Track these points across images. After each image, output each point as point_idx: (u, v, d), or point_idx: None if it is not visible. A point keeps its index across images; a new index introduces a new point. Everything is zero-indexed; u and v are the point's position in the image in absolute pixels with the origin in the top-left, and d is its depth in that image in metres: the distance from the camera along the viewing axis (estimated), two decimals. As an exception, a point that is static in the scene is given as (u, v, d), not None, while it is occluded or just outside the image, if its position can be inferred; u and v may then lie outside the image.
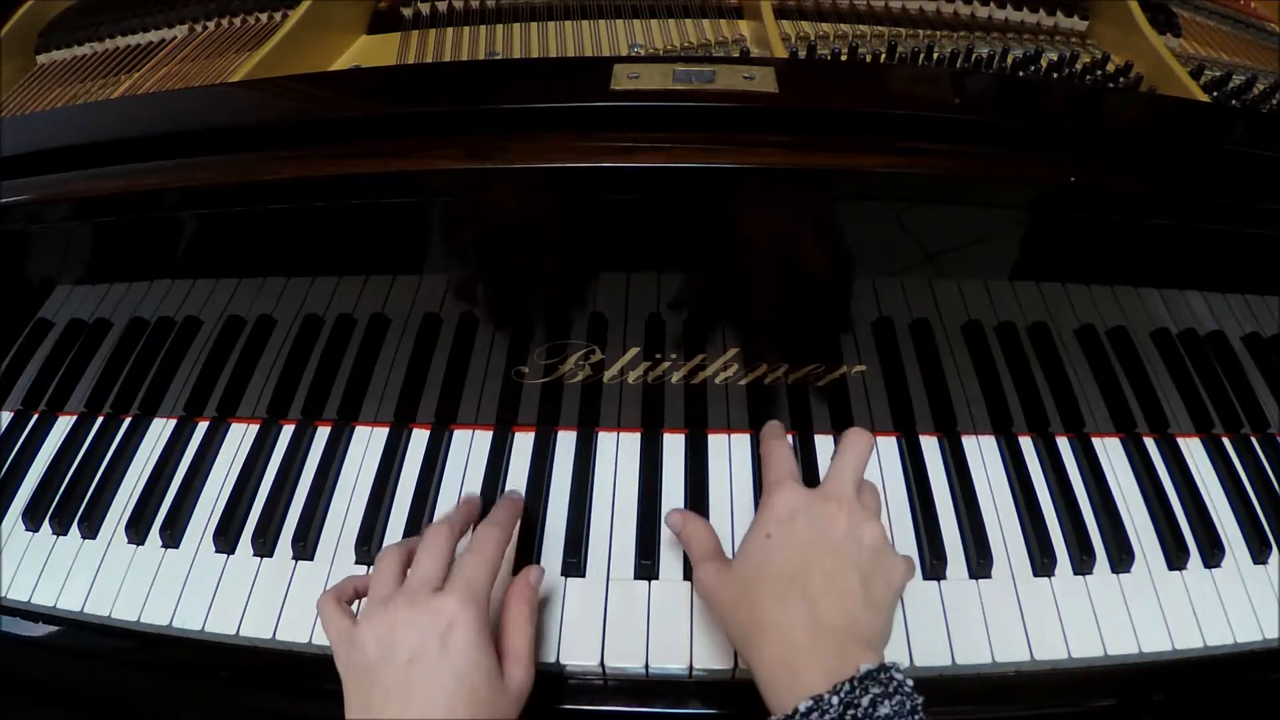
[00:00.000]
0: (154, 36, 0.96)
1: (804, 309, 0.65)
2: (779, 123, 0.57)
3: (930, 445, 0.74)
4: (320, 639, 0.62)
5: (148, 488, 0.72)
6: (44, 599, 0.67)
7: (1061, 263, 0.62)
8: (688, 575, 0.65)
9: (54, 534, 0.71)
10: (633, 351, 0.67)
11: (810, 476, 0.71)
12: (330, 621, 0.55)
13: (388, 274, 0.64)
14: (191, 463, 0.74)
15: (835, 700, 0.44)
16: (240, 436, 0.76)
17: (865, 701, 0.44)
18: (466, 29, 0.92)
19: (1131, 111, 0.69)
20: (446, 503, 0.71)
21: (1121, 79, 0.82)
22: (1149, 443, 0.74)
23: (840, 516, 0.53)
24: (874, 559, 0.52)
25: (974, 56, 0.85)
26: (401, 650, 0.50)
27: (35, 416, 0.80)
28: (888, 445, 0.74)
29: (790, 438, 0.66)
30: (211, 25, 0.95)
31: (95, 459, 0.75)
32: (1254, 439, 0.75)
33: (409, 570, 0.55)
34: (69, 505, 0.72)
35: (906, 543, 0.67)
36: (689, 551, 0.59)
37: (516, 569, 0.65)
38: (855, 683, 0.44)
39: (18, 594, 0.67)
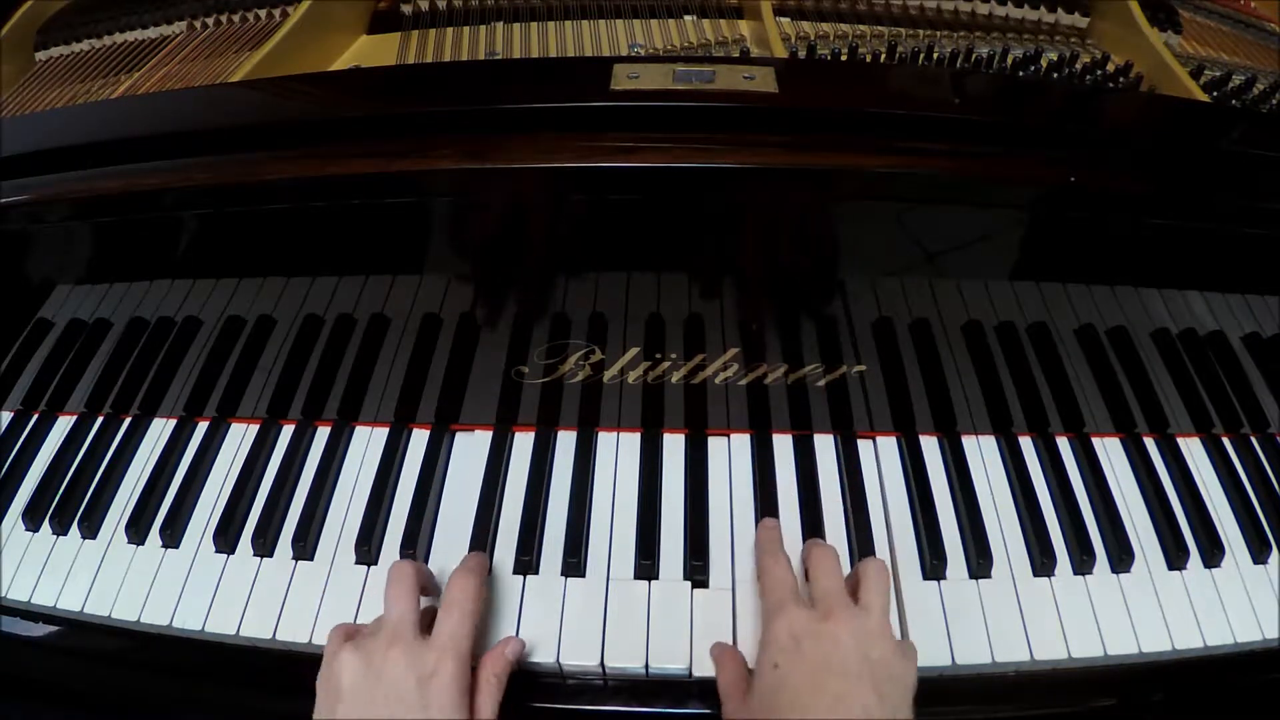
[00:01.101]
0: (153, 33, 0.96)
1: (804, 308, 0.65)
2: (779, 123, 0.57)
3: (930, 445, 0.74)
4: (320, 639, 0.62)
5: (148, 488, 0.72)
6: (44, 599, 0.67)
7: (1061, 263, 0.62)
8: (688, 575, 0.65)
9: (54, 534, 0.71)
10: (633, 351, 0.67)
11: (810, 480, 0.71)
12: (329, 641, 0.56)
13: (388, 274, 0.64)
14: (191, 463, 0.74)
15: None
16: (240, 436, 0.76)
17: None
18: (466, 29, 0.92)
19: (1131, 111, 0.69)
20: (447, 503, 0.71)
21: (1121, 79, 0.82)
22: (1149, 443, 0.74)
23: (843, 634, 0.51)
24: (886, 670, 0.51)
25: (974, 56, 0.85)
26: (381, 690, 0.50)
27: (35, 416, 0.79)
28: (888, 445, 0.74)
29: (788, 546, 0.63)
30: (210, 22, 0.95)
31: (95, 459, 0.75)
32: (1254, 439, 0.75)
33: (384, 610, 0.55)
34: (69, 505, 0.72)
35: (906, 543, 0.67)
36: (717, 681, 0.58)
37: (517, 569, 0.65)
38: None
39: (18, 594, 0.67)
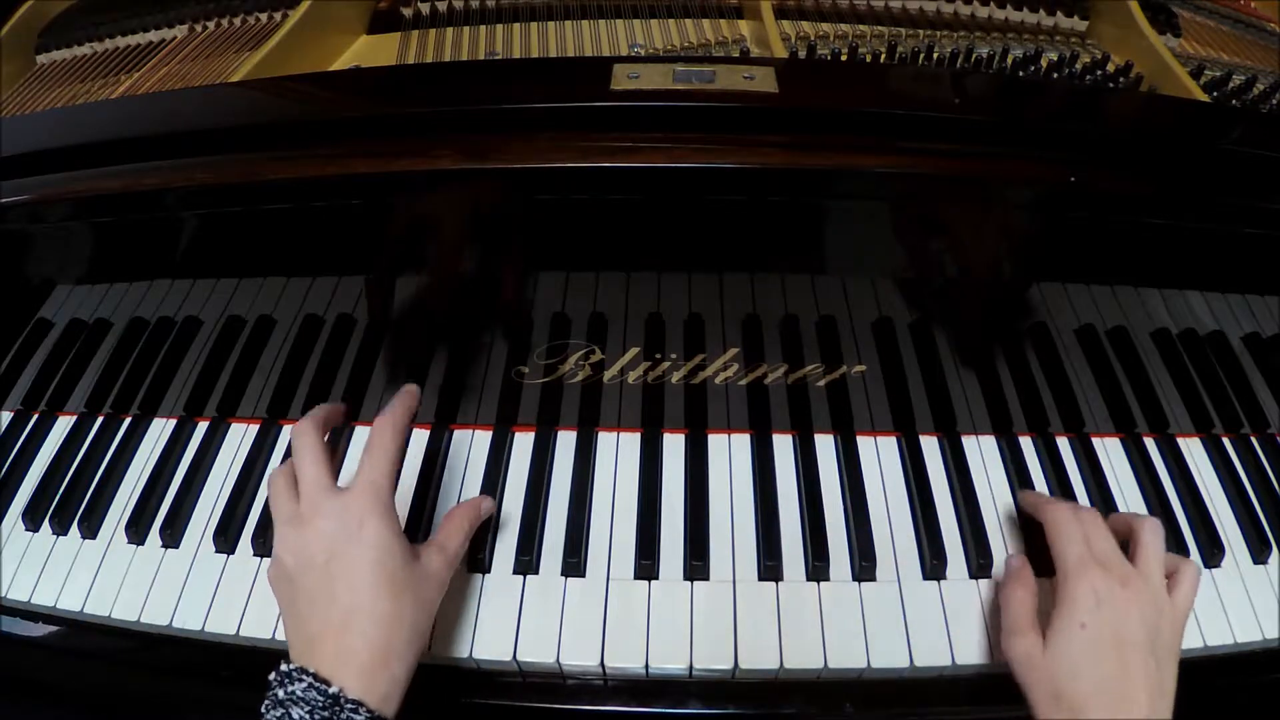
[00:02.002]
0: (154, 36, 0.96)
1: (804, 308, 0.65)
2: (779, 123, 0.57)
3: (930, 445, 0.74)
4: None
5: (148, 488, 0.72)
6: (44, 599, 0.67)
7: (1061, 263, 0.62)
8: (688, 575, 0.65)
9: (54, 534, 0.71)
10: (633, 351, 0.67)
11: (810, 480, 0.71)
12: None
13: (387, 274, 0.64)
14: (191, 463, 0.74)
15: None
16: (240, 436, 0.76)
17: None
18: (466, 29, 0.92)
19: (1131, 111, 0.69)
20: (446, 502, 0.71)
21: (1121, 79, 0.82)
22: (1149, 443, 0.74)
23: (1134, 603, 0.54)
24: (1163, 638, 0.55)
25: (974, 56, 0.85)
26: (318, 554, 0.52)
27: (35, 416, 0.80)
28: (888, 445, 0.74)
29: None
30: (211, 25, 0.95)
31: (95, 459, 0.75)
32: (1254, 439, 0.75)
33: (299, 484, 0.56)
34: (69, 505, 0.72)
35: (906, 543, 0.67)
36: (1007, 612, 0.58)
37: (517, 569, 0.65)
38: None
39: (18, 594, 0.67)
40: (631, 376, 0.69)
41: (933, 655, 0.61)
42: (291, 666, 0.48)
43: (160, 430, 0.77)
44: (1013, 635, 0.57)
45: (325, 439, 0.59)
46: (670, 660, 0.61)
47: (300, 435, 0.58)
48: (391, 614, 0.51)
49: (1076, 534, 0.58)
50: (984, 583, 0.65)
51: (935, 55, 0.85)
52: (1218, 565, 0.67)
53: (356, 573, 0.52)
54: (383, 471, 0.56)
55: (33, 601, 0.67)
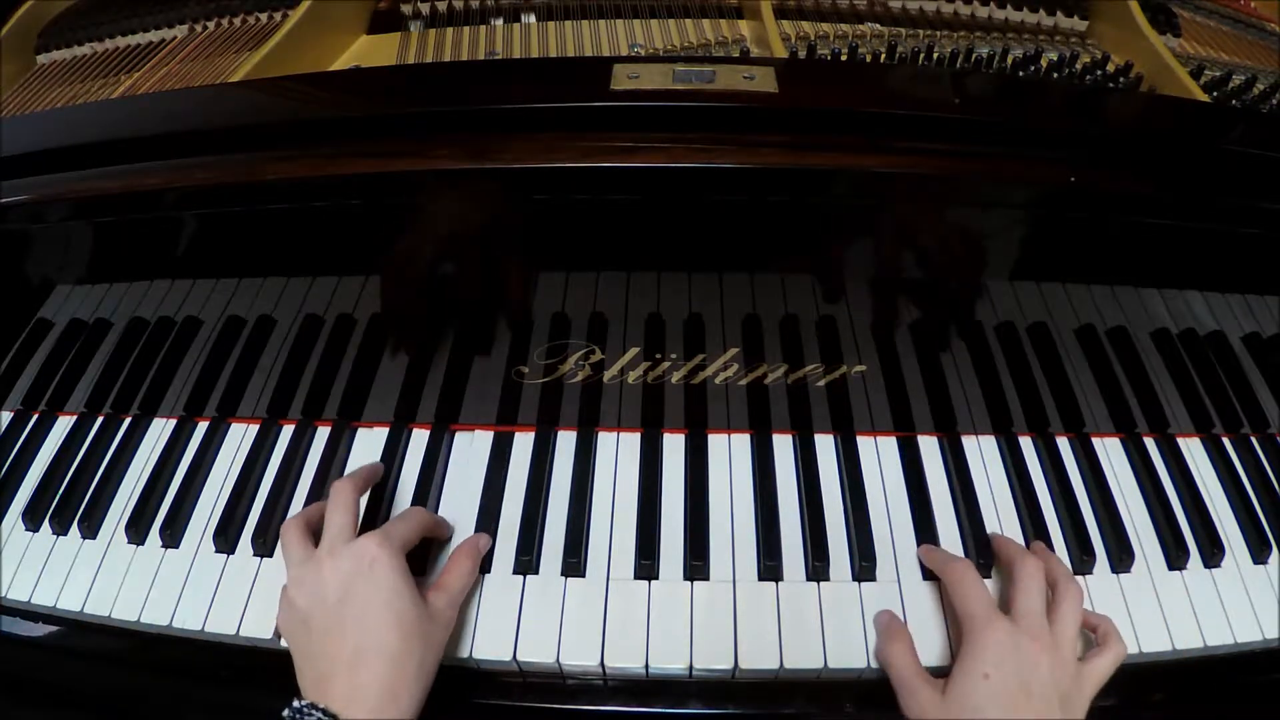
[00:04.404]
0: (154, 36, 0.96)
1: (804, 308, 0.65)
2: (779, 123, 0.57)
3: (930, 445, 0.74)
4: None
5: (148, 488, 0.72)
6: (44, 599, 0.67)
7: (1061, 263, 0.62)
8: (688, 575, 0.65)
9: (54, 534, 0.71)
10: (633, 351, 0.67)
11: (810, 480, 0.71)
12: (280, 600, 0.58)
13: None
14: (191, 463, 0.74)
15: None
16: (240, 436, 0.76)
17: None
18: (466, 29, 0.92)
19: (1131, 111, 0.69)
20: (447, 503, 0.71)
21: (1121, 79, 0.82)
22: (1149, 443, 0.74)
23: (1044, 661, 0.53)
24: (1070, 705, 0.54)
25: (974, 56, 0.85)
26: (330, 592, 0.54)
27: (35, 416, 0.80)
28: (888, 445, 0.74)
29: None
30: (211, 25, 0.95)
31: (95, 459, 0.75)
32: (1254, 439, 0.75)
33: (323, 529, 0.59)
34: (69, 505, 0.72)
35: (906, 543, 0.67)
36: (893, 670, 0.58)
37: (517, 569, 0.65)
38: None
39: (18, 594, 0.67)
40: (631, 376, 0.69)
41: (933, 655, 0.61)
42: (303, 703, 0.49)
43: (160, 430, 0.77)
44: (904, 694, 0.56)
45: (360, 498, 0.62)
46: (670, 660, 0.61)
47: (339, 491, 0.61)
48: (400, 652, 0.52)
49: (981, 589, 0.58)
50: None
51: (935, 55, 0.85)
52: (1218, 565, 0.67)
53: (367, 611, 0.53)
54: (401, 532, 0.59)
55: (33, 601, 0.67)
